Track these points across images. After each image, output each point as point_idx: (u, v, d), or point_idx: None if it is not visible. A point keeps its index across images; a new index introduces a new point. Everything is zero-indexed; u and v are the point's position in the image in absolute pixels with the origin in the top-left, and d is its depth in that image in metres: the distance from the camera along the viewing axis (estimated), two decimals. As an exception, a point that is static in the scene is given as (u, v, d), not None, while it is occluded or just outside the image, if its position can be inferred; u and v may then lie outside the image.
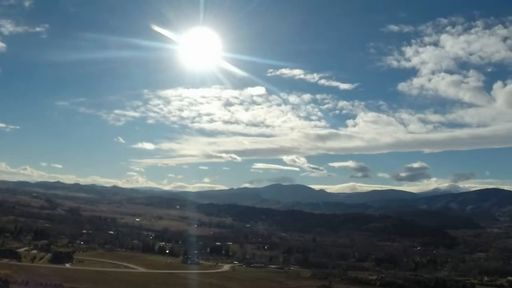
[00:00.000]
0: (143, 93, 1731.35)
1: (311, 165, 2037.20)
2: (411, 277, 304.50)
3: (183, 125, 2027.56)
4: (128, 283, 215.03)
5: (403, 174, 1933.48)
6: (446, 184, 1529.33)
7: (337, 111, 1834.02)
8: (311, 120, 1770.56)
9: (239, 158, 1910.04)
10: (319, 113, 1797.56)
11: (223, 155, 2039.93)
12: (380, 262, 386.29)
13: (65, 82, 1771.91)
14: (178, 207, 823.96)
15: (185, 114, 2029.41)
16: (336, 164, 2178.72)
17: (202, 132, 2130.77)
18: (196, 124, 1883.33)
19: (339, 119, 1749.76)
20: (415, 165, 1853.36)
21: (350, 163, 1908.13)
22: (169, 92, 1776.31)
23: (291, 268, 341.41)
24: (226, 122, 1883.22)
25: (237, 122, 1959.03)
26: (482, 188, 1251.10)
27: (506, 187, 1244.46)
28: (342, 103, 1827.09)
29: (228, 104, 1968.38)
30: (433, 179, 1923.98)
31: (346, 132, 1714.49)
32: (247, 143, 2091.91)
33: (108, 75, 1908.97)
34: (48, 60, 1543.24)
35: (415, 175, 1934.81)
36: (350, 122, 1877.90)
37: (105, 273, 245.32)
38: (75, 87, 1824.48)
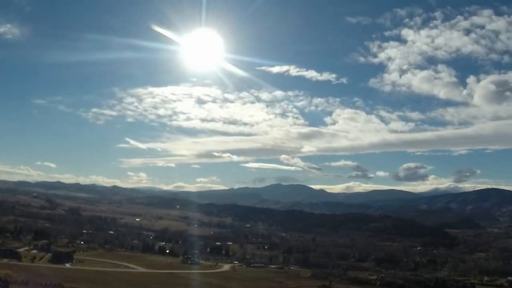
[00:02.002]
0: (137, 93, 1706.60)
1: (305, 165, 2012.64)
2: (411, 277, 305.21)
3: (166, 124, 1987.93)
4: (128, 283, 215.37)
5: (400, 174, 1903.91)
6: (446, 184, 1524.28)
7: (313, 108, 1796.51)
8: (287, 117, 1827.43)
9: (233, 158, 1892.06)
10: (295, 110, 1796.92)
11: (215, 154, 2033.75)
12: (380, 262, 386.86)
13: (62, 82, 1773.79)
14: (178, 207, 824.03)
15: (170, 113, 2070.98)
16: (332, 164, 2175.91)
17: (186, 131, 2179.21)
18: (181, 123, 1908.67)
19: (317, 116, 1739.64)
20: (411, 165, 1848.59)
21: (347, 163, 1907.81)
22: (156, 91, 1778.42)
23: (291, 268, 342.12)
24: (203, 120, 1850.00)
25: (214, 120, 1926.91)
26: (482, 188, 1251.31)
27: (506, 187, 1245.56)
28: (316, 100, 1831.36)
29: (201, 101, 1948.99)
30: (432, 176, 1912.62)
31: (328, 131, 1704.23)
32: (234, 142, 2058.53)
33: (107, 75, 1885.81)
34: (40, 61, 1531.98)
35: (413, 175, 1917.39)
36: (328, 119, 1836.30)
37: (105, 273, 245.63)
38: (67, 87, 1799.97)
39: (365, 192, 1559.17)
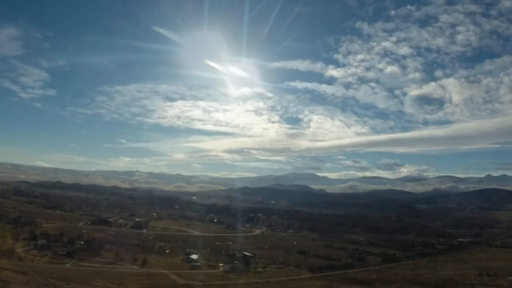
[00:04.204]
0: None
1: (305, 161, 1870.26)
2: (389, 238, 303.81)
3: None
4: (185, 241, 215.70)
5: (382, 166, 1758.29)
6: (415, 173, 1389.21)
7: (284, 108, 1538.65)
8: (261, 115, 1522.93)
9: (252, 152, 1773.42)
10: (268, 109, 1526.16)
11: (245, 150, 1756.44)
12: (367, 228, 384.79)
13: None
14: (223, 189, 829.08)
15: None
16: (329, 162, 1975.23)
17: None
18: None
19: (291, 117, 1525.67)
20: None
21: (340, 158, 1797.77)
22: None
23: (303, 232, 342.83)
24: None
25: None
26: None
27: (457, 175, 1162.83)
28: (285, 103, 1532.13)
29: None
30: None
31: (307, 132, 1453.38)
32: (231, 143, 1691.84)
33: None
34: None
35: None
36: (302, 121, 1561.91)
37: (170, 235, 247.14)
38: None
39: (357, 178, 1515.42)
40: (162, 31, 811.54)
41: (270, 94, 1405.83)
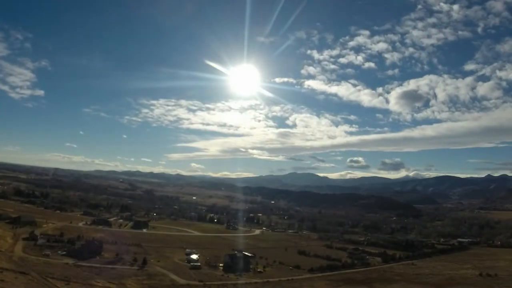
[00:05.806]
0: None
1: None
2: (389, 238, 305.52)
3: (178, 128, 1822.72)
4: (187, 242, 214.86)
5: (381, 166, 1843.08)
6: (414, 173, 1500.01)
7: (274, 113, 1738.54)
8: (259, 120, 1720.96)
9: (252, 152, 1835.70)
10: (262, 116, 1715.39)
11: (241, 149, 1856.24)
12: (367, 228, 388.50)
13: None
14: (223, 189, 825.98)
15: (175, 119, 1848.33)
16: (327, 162, 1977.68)
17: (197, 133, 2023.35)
18: (188, 126, 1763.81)
19: (280, 120, 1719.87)
20: (387, 160, 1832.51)
21: (340, 161, 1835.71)
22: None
23: (303, 232, 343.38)
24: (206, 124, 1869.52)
25: (208, 123, 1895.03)
26: (439, 175, 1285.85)
27: (455, 175, 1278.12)
28: (275, 108, 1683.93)
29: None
30: (402, 167, 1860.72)
31: (295, 131, 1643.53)
32: (235, 142, 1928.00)
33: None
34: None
35: (388, 166, 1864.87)
36: (289, 122, 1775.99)
37: (171, 236, 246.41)
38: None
39: (357, 178, 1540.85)
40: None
41: (261, 106, 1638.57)
